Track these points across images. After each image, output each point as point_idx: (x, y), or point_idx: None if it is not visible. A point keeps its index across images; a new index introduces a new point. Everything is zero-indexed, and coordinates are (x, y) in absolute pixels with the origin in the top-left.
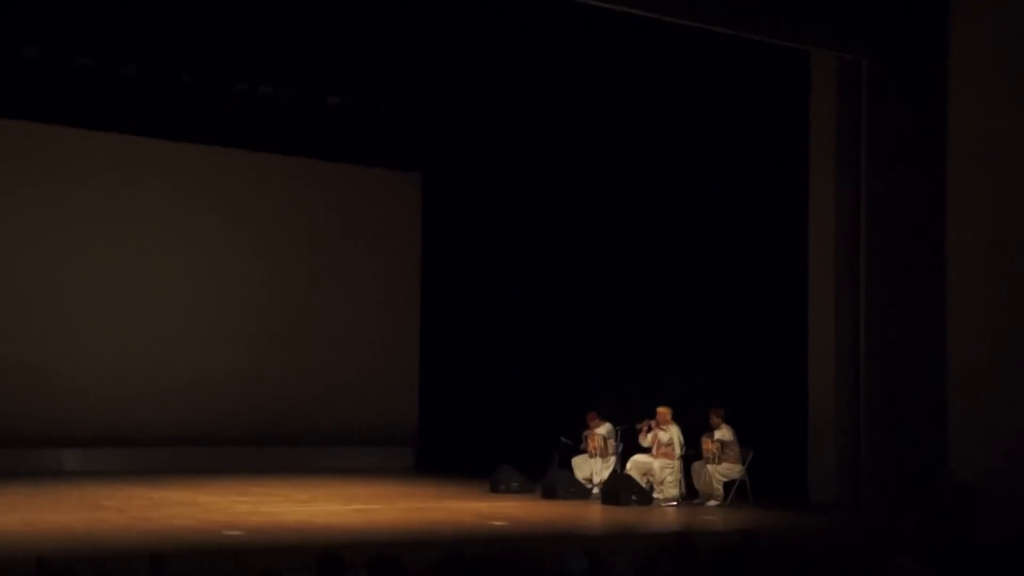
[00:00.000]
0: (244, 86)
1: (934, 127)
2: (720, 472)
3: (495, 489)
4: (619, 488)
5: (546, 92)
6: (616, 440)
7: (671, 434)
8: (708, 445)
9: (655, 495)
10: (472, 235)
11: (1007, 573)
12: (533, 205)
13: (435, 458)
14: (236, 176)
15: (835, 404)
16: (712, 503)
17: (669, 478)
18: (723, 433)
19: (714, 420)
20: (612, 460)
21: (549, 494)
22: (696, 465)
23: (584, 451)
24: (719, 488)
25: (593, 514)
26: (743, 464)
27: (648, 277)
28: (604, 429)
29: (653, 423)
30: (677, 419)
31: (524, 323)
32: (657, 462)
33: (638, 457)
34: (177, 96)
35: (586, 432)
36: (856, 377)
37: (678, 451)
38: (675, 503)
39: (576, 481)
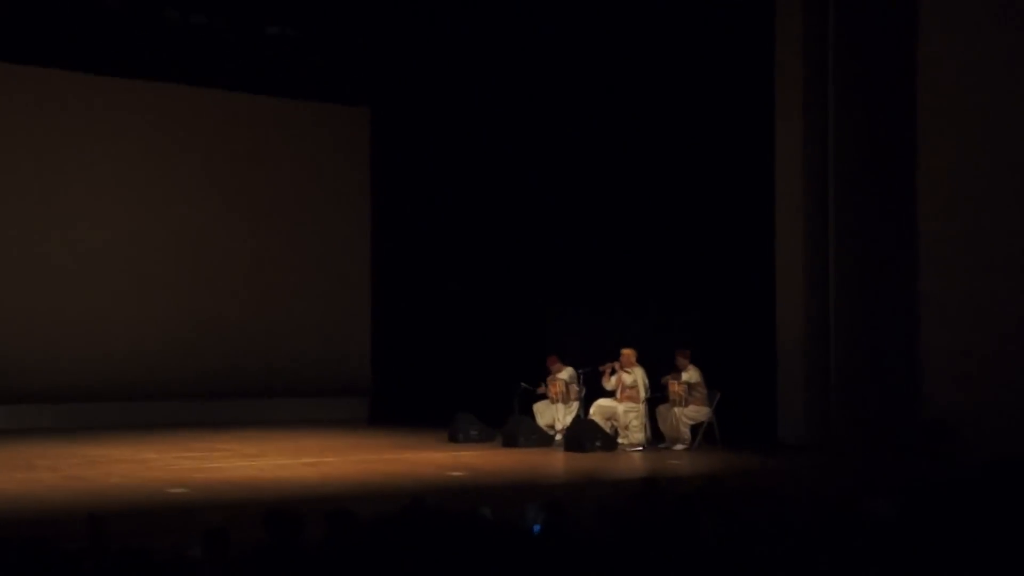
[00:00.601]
0: (175, 14)
1: (903, 50)
2: (687, 415)
3: (454, 439)
4: (582, 434)
5: (499, 20)
6: (579, 384)
7: (635, 376)
8: (674, 387)
9: (620, 440)
10: (424, 174)
11: (981, 507)
12: (487, 142)
13: (390, 409)
14: (174, 113)
15: (804, 341)
16: (679, 447)
17: (634, 422)
18: (690, 375)
19: (680, 361)
20: (575, 405)
21: (510, 442)
22: (662, 408)
23: (546, 397)
24: (686, 432)
25: (556, 462)
26: (710, 406)
27: (607, 215)
28: (566, 374)
29: (617, 365)
30: (641, 361)
31: (480, 266)
32: (621, 406)
33: (602, 401)
34: (102, 24)
35: (548, 378)
36: (825, 312)
37: (643, 394)
38: (641, 448)
39: (538, 428)
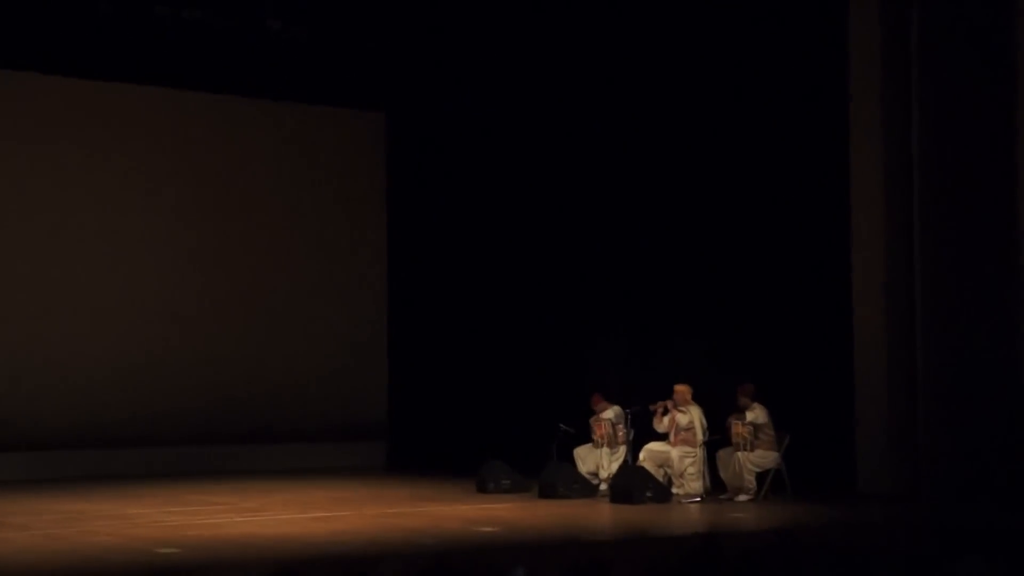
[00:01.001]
0: (165, 10)
1: (997, 40)
2: (752, 461)
3: (483, 489)
4: (631, 483)
5: (525, 19)
6: (626, 426)
7: (691, 416)
8: (737, 429)
9: (674, 490)
10: (444, 185)
11: None
12: (514, 149)
13: (410, 455)
14: (163, 119)
15: (887, 376)
16: (743, 498)
17: (690, 469)
18: (755, 414)
19: (743, 399)
20: (622, 450)
21: (548, 492)
22: (723, 453)
23: (589, 440)
24: (751, 480)
25: (600, 515)
26: (779, 451)
27: (655, 228)
28: (611, 413)
29: (670, 404)
30: (699, 398)
31: (510, 289)
32: (676, 451)
33: (653, 445)
34: (94, 25)
35: (592, 418)
36: (912, 344)
37: (700, 437)
38: (698, 499)
39: (579, 476)
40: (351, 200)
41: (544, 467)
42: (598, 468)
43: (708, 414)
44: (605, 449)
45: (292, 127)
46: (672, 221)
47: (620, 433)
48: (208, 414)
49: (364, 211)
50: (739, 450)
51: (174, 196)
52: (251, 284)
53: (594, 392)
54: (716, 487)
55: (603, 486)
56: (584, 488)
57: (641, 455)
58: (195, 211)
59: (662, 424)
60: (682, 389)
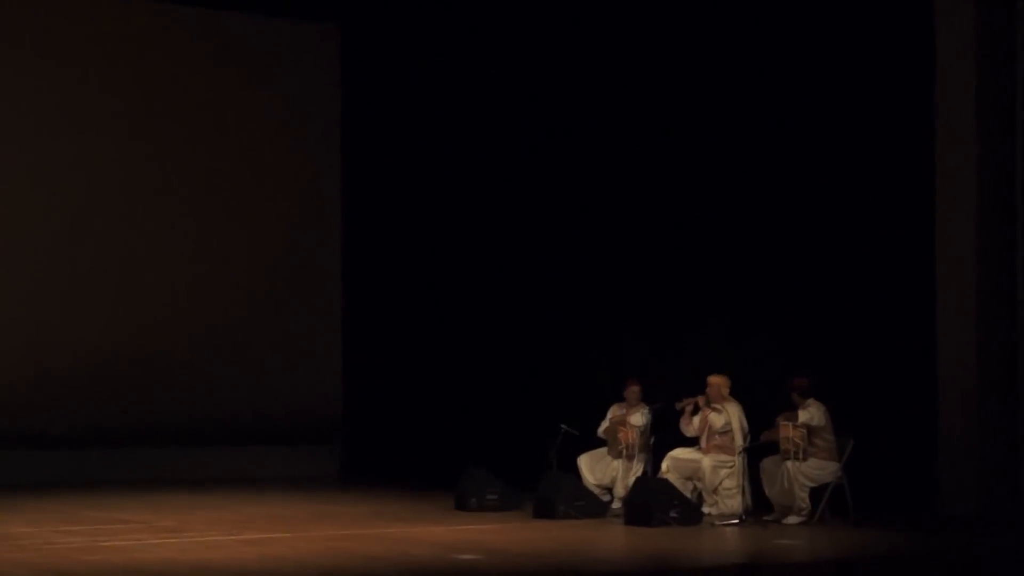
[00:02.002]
0: None
1: None
2: (805, 473)
3: (463, 505)
4: (651, 500)
5: None
6: (647, 428)
7: (728, 416)
8: (787, 432)
9: (706, 509)
10: (411, 118)
11: None
12: (505, 73)
13: (370, 461)
14: (102, 30)
15: (976, 372)
16: (793, 519)
17: (727, 483)
18: (810, 413)
19: (795, 396)
20: (641, 458)
21: (545, 511)
22: (768, 463)
23: (599, 445)
24: (804, 497)
25: (611, 541)
26: (839, 460)
27: (676, 184)
28: (642, 418)
29: (701, 400)
30: (738, 394)
31: (495, 252)
32: (708, 459)
33: (679, 452)
34: None
35: (612, 416)
36: (1008, 333)
37: (740, 442)
38: (737, 521)
39: (585, 491)
40: (303, 140)
41: (540, 478)
42: (611, 480)
43: (750, 413)
44: (623, 460)
45: (237, 40)
46: (700, 184)
47: (641, 440)
48: (112, 408)
49: (317, 149)
50: (788, 459)
51: (98, 128)
52: (177, 240)
53: (630, 377)
54: (760, 506)
55: (616, 503)
56: (591, 506)
57: (664, 465)
58: (124, 156)
59: (691, 426)
60: (717, 382)
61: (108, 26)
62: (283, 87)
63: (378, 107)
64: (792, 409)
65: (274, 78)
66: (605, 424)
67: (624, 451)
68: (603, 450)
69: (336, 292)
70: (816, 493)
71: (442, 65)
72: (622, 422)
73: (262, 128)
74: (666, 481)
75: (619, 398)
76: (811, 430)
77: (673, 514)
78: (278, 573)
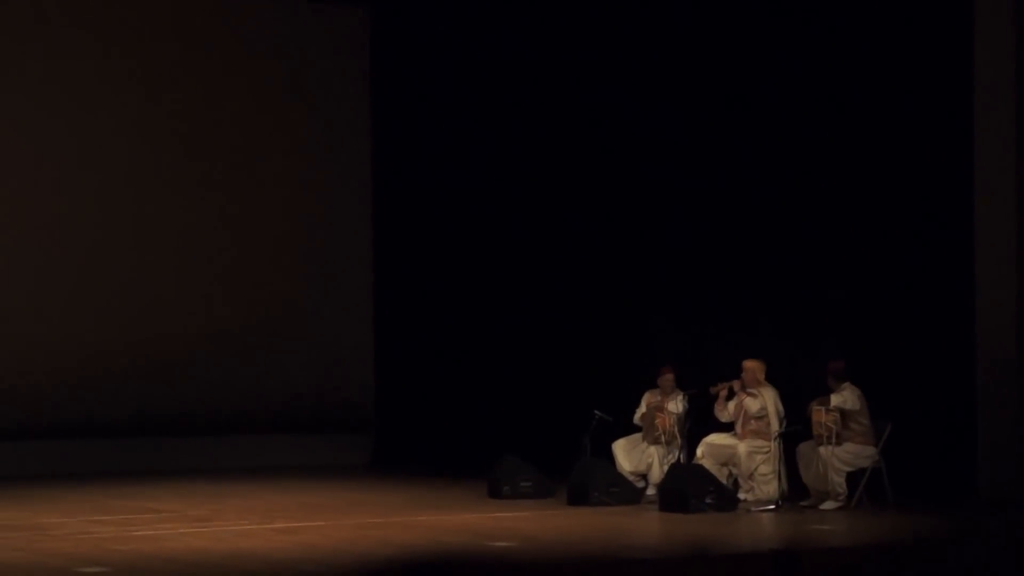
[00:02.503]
0: None
1: None
2: (841, 458)
3: (496, 492)
4: (686, 486)
5: None
6: (684, 414)
7: (764, 401)
8: (819, 416)
9: (741, 495)
10: (443, 106)
11: None
12: (535, 59)
13: (402, 449)
14: (120, 14)
15: (1017, 354)
16: (830, 505)
17: (763, 468)
18: (843, 397)
19: (831, 379)
20: (676, 444)
21: (579, 498)
22: (805, 448)
23: (635, 430)
24: (840, 482)
25: (647, 527)
26: (876, 445)
27: (713, 167)
28: (679, 405)
29: (736, 385)
30: (773, 378)
31: (528, 237)
32: (744, 445)
33: (714, 438)
34: None
35: (648, 402)
36: None
37: (776, 427)
38: (773, 507)
39: (620, 478)
40: (333, 127)
41: (574, 465)
42: (647, 467)
43: (786, 398)
44: (660, 446)
45: (265, 25)
46: (738, 158)
47: (677, 426)
48: (144, 396)
49: (344, 138)
50: (821, 444)
51: (113, 119)
52: (206, 222)
53: (664, 364)
54: (796, 491)
55: (650, 490)
56: (625, 492)
57: (699, 451)
58: (138, 140)
59: (726, 411)
60: (752, 366)
61: (127, 10)
62: (312, 73)
63: (409, 90)
64: (827, 394)
65: (304, 64)
66: (641, 410)
67: (661, 437)
68: (638, 436)
69: (368, 278)
70: (853, 478)
71: (472, 47)
72: (660, 408)
73: (292, 114)
74: (701, 467)
75: (652, 384)
76: (845, 414)
77: (708, 500)
78: (310, 561)
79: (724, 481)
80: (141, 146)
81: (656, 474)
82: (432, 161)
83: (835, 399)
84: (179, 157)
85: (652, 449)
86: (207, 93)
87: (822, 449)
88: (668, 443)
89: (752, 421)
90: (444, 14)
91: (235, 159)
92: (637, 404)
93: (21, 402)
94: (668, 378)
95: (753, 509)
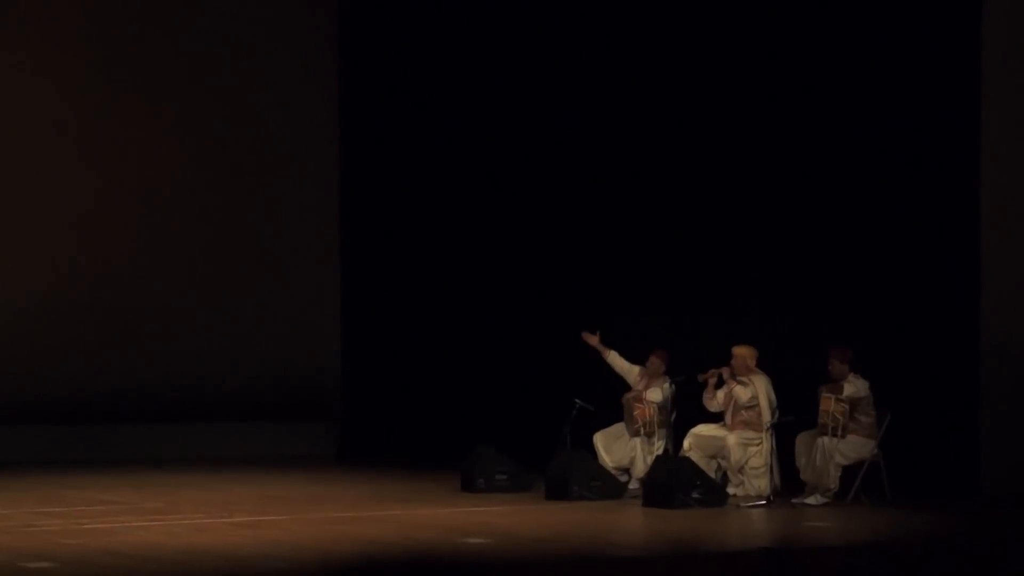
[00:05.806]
0: None
1: None
2: (842, 451)
3: (470, 485)
4: (671, 480)
5: None
6: (667, 404)
7: (755, 389)
8: (829, 405)
9: (730, 490)
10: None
11: None
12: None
13: (371, 439)
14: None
15: (1022, 346)
16: (816, 500)
17: (754, 461)
18: (854, 387)
19: (838, 366)
20: (660, 435)
21: (558, 492)
22: (804, 437)
23: (617, 420)
24: (835, 477)
25: (629, 523)
26: (875, 438)
27: (708, 153)
28: (660, 394)
29: (726, 372)
30: (766, 366)
31: (503, 216)
32: (733, 436)
33: (702, 429)
34: None
35: (632, 392)
36: None
37: (767, 417)
38: (764, 502)
39: (601, 470)
40: (301, 110)
41: (553, 457)
42: (629, 460)
43: (779, 387)
44: (642, 438)
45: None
46: (727, 141)
47: (661, 416)
48: (100, 380)
49: (316, 123)
50: (825, 434)
51: (63, 82)
52: (169, 206)
53: (657, 348)
54: (789, 486)
55: (633, 484)
56: (607, 486)
57: (686, 442)
58: (93, 108)
59: (715, 400)
60: (743, 353)
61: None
62: (280, 61)
63: (377, 78)
64: (832, 382)
65: (271, 53)
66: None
67: (642, 429)
68: (620, 426)
69: (334, 260)
70: (849, 472)
71: (443, 39)
72: (638, 398)
73: (260, 100)
74: (688, 460)
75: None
76: (854, 406)
77: (695, 495)
78: (271, 558)
79: (712, 475)
80: (104, 131)
81: (640, 467)
82: (400, 143)
83: (848, 388)
84: (144, 143)
85: (634, 441)
86: (173, 82)
87: (823, 440)
88: (650, 435)
89: (743, 411)
90: (413, 5)
91: (201, 144)
92: (620, 392)
93: None
94: (654, 361)
95: (743, 505)
